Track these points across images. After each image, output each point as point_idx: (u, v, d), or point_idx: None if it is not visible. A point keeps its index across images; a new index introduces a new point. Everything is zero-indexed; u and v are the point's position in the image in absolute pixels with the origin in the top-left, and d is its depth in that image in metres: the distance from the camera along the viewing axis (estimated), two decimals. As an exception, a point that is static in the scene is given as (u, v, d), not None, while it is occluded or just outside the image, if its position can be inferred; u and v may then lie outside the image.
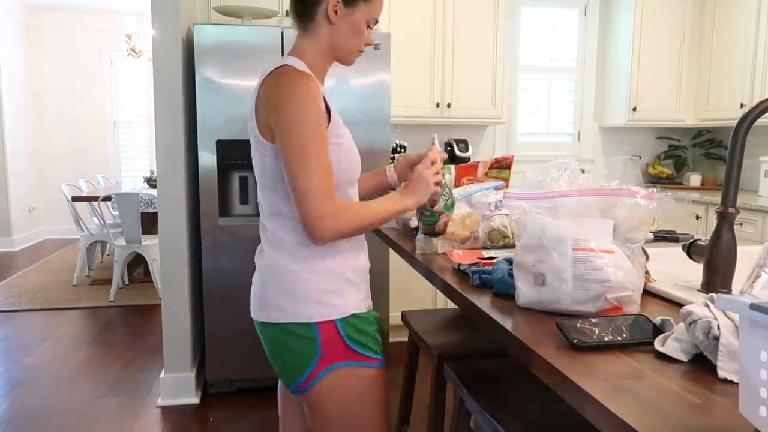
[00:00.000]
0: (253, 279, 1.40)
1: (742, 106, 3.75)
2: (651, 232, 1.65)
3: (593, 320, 0.95)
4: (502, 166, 1.85)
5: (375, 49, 1.39)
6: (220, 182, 2.88)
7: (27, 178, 7.14)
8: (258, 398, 2.96)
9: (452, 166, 1.83)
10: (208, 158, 2.84)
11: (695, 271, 1.21)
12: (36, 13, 7.27)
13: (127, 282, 5.19)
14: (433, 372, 1.84)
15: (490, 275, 1.26)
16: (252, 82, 2.83)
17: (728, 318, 0.81)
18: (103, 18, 7.37)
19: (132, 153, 7.71)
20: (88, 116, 7.54)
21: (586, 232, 1.05)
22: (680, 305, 1.00)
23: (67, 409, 2.84)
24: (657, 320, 0.95)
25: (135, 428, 2.67)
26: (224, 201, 2.94)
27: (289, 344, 1.29)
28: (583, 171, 1.21)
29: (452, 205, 1.52)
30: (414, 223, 1.84)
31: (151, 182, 5.52)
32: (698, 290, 1.16)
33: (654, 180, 4.41)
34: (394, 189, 1.50)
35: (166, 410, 2.84)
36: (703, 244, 1.19)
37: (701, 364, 0.84)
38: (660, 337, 0.90)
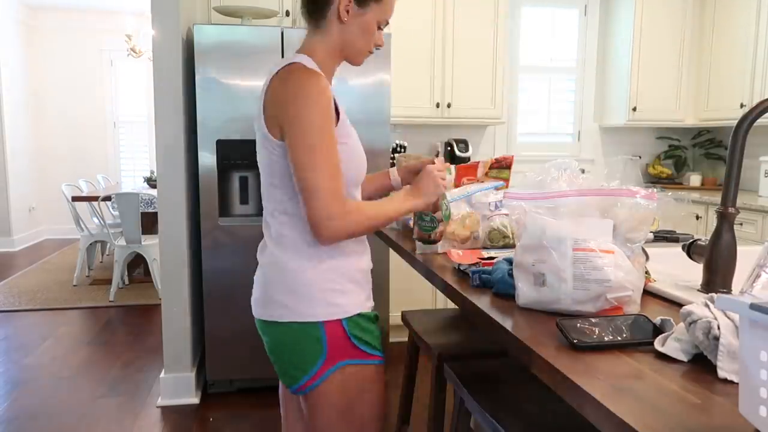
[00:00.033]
0: (254, 276, 1.39)
1: (742, 106, 3.75)
2: (651, 232, 1.65)
3: (593, 320, 0.95)
4: (502, 166, 1.85)
5: (375, 48, 1.39)
6: (220, 182, 2.88)
7: (27, 178, 7.14)
8: (258, 398, 2.96)
9: (452, 166, 1.83)
10: (208, 158, 2.84)
11: (695, 271, 1.21)
12: (36, 13, 7.27)
13: (127, 282, 5.19)
14: (433, 372, 1.84)
15: (490, 275, 1.26)
16: (252, 82, 2.83)
17: (728, 318, 0.81)
18: (103, 18, 7.37)
19: (132, 153, 7.71)
20: (88, 116, 7.54)
21: (586, 232, 1.05)
22: (680, 305, 1.00)
23: (67, 409, 2.84)
24: (657, 320, 0.95)
25: (135, 428, 2.67)
26: (224, 201, 2.94)
27: (293, 343, 1.28)
28: (583, 171, 1.21)
29: (449, 216, 1.53)
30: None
31: (151, 182, 5.52)
32: (698, 290, 1.16)
33: (654, 180, 4.41)
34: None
35: (166, 410, 2.84)
36: (703, 244, 1.19)
37: (701, 364, 0.84)
38: (660, 337, 0.90)
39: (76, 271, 5.18)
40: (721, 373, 0.79)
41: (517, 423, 1.32)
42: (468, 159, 3.85)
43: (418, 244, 1.60)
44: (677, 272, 1.28)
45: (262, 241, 1.39)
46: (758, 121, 1.12)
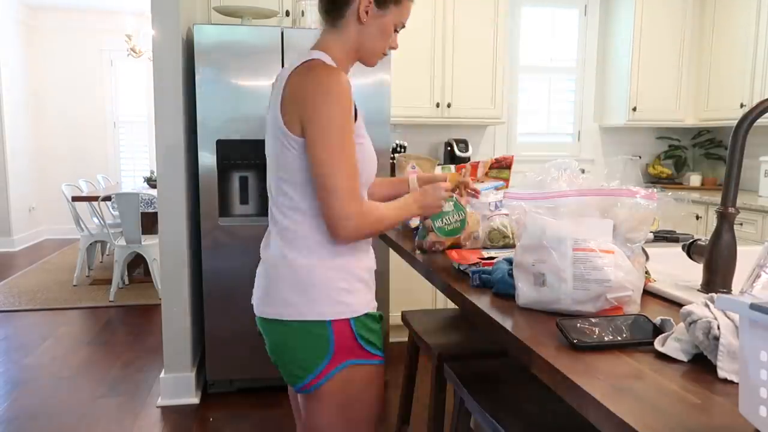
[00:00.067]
0: (257, 273, 1.38)
1: (742, 106, 3.75)
2: (651, 232, 1.65)
3: (593, 320, 0.95)
4: (502, 166, 1.85)
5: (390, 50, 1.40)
6: (220, 182, 2.88)
7: (27, 178, 7.14)
8: (258, 398, 2.96)
9: (452, 166, 1.83)
10: (208, 158, 2.84)
11: (695, 271, 1.21)
12: (36, 13, 7.27)
13: (127, 282, 5.19)
14: (433, 372, 1.84)
15: (490, 275, 1.26)
16: (252, 82, 2.83)
17: (728, 318, 0.81)
18: (103, 18, 7.37)
19: (132, 153, 7.71)
20: (88, 116, 7.54)
21: (586, 232, 1.05)
22: (680, 305, 1.00)
23: (67, 409, 2.84)
24: (657, 320, 0.95)
25: (135, 428, 2.67)
26: (224, 201, 2.94)
27: (299, 342, 1.28)
28: (583, 171, 1.21)
29: (453, 232, 1.54)
30: (414, 223, 1.84)
31: (151, 182, 5.52)
32: (698, 290, 1.16)
33: (654, 180, 4.41)
34: None
35: (166, 410, 2.84)
36: (703, 244, 1.19)
37: (701, 364, 0.84)
38: (660, 337, 0.90)
39: (76, 271, 5.18)
40: (721, 373, 0.79)
41: (517, 423, 1.32)
42: (468, 159, 3.85)
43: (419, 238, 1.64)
44: (677, 272, 1.28)
45: (265, 235, 1.38)
46: (758, 121, 1.12)
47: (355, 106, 1.28)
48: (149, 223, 4.91)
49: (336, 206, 1.19)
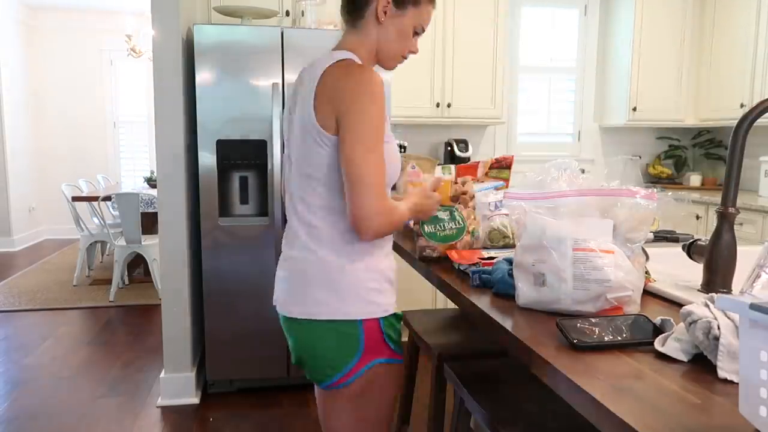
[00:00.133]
0: (282, 274, 1.38)
1: (742, 106, 3.75)
2: (651, 232, 1.65)
3: (593, 320, 0.95)
4: (502, 166, 1.85)
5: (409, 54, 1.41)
6: (220, 182, 2.88)
7: (27, 178, 7.14)
8: (258, 398, 2.96)
9: (452, 166, 1.83)
10: (208, 158, 2.84)
11: (695, 271, 1.21)
12: (36, 13, 7.27)
13: (127, 282, 5.19)
14: (433, 372, 1.84)
15: (490, 275, 1.26)
16: (252, 82, 2.83)
17: (728, 318, 0.81)
18: (103, 18, 7.37)
19: (132, 153, 7.71)
20: (88, 116, 7.54)
21: (586, 232, 1.05)
22: (680, 305, 1.00)
23: (67, 409, 2.84)
24: (657, 320, 0.95)
25: (135, 428, 2.67)
26: (224, 201, 2.94)
27: (330, 341, 1.28)
28: (583, 171, 1.21)
29: (447, 239, 1.54)
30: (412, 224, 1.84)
31: (151, 182, 5.52)
32: (698, 290, 1.16)
33: (654, 180, 4.41)
34: None
35: (166, 410, 2.84)
36: (703, 244, 1.19)
37: (701, 364, 0.84)
38: (660, 337, 0.90)
39: (76, 271, 5.18)
40: (721, 373, 0.79)
41: (517, 423, 1.32)
42: (468, 159, 3.85)
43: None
44: (677, 272, 1.28)
45: (288, 235, 1.38)
46: (758, 121, 1.12)
47: None
48: (149, 223, 4.91)
49: (365, 204, 1.19)
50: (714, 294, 0.91)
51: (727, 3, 3.91)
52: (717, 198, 3.46)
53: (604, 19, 4.31)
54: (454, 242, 1.55)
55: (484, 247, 1.60)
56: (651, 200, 1.08)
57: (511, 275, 1.17)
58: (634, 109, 4.08)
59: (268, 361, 2.97)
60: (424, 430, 2.60)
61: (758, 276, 1.06)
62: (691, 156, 4.53)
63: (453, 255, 1.48)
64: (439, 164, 2.04)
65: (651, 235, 1.68)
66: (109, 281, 5.06)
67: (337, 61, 1.25)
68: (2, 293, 4.89)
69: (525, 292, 1.10)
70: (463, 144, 3.91)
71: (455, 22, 3.73)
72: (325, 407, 1.36)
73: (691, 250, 1.23)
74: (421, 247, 1.59)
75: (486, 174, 1.85)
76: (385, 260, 1.34)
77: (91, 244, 5.20)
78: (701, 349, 0.83)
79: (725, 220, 1.13)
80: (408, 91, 3.71)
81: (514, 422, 1.32)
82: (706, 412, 0.70)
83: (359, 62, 1.28)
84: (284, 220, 2.90)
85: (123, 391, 3.06)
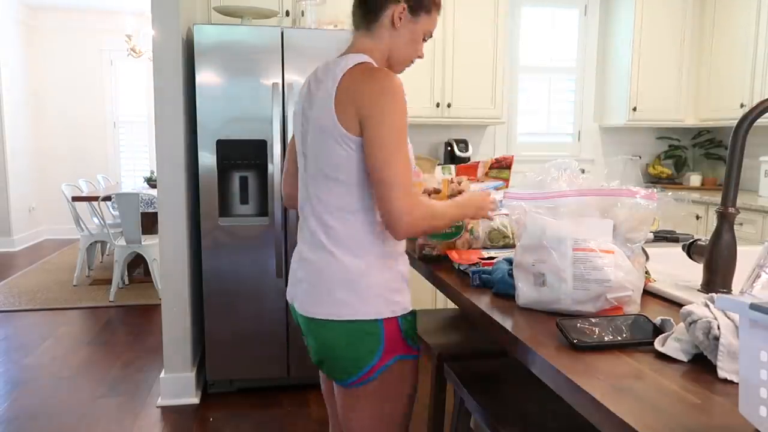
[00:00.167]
0: (301, 275, 1.38)
1: (742, 106, 3.75)
2: (651, 232, 1.65)
3: (593, 320, 0.95)
4: (502, 166, 1.85)
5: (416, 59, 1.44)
6: (220, 182, 2.88)
7: (27, 178, 7.14)
8: (258, 398, 2.96)
9: (452, 166, 1.83)
10: (208, 158, 2.84)
11: (695, 271, 1.22)
12: (36, 13, 7.27)
13: (127, 282, 5.19)
14: (433, 372, 1.84)
15: (490, 275, 1.26)
16: (252, 82, 2.83)
17: (728, 318, 0.81)
18: (103, 18, 7.37)
19: (132, 153, 7.71)
20: (88, 116, 7.54)
21: (586, 232, 1.05)
22: (680, 305, 1.00)
23: (67, 409, 2.84)
24: (657, 320, 0.95)
25: (135, 428, 2.67)
26: (224, 201, 2.94)
27: (351, 340, 1.30)
28: (583, 171, 1.21)
29: (446, 237, 1.55)
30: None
31: (151, 182, 5.52)
32: (698, 290, 1.16)
33: (654, 180, 4.41)
34: None
35: (166, 410, 2.84)
36: (703, 244, 1.19)
37: (701, 364, 0.84)
38: (660, 337, 0.90)
39: (76, 271, 5.18)
40: (721, 373, 0.79)
41: (517, 423, 1.32)
42: (468, 159, 3.84)
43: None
44: (677, 272, 1.28)
45: (305, 236, 1.39)
46: (758, 121, 1.12)
47: None
48: (149, 223, 4.91)
49: (397, 202, 1.21)
50: (714, 294, 0.91)
51: (727, 3, 3.91)
52: (717, 198, 3.46)
53: (604, 19, 4.31)
54: (452, 240, 1.55)
55: (484, 247, 1.60)
56: (651, 200, 1.08)
57: (511, 275, 1.17)
58: (634, 109, 4.08)
59: (268, 361, 2.97)
60: (424, 430, 2.60)
61: (758, 276, 1.06)
62: (691, 156, 4.53)
63: (453, 255, 1.48)
64: (439, 164, 2.04)
65: (651, 235, 1.68)
66: (109, 281, 5.06)
67: (356, 64, 1.27)
68: (2, 293, 4.89)
69: (525, 292, 1.10)
70: (463, 144, 3.91)
71: (455, 22, 3.73)
72: (346, 406, 1.37)
73: (691, 250, 1.23)
74: (420, 246, 1.59)
75: (486, 174, 1.85)
76: (401, 259, 1.36)
77: (91, 244, 5.20)
78: (701, 349, 0.83)
79: (725, 220, 1.13)
80: (408, 91, 3.69)
81: (514, 422, 1.32)
82: (706, 412, 0.70)
83: (377, 65, 1.30)
84: (284, 220, 2.91)
85: (123, 391, 3.06)
